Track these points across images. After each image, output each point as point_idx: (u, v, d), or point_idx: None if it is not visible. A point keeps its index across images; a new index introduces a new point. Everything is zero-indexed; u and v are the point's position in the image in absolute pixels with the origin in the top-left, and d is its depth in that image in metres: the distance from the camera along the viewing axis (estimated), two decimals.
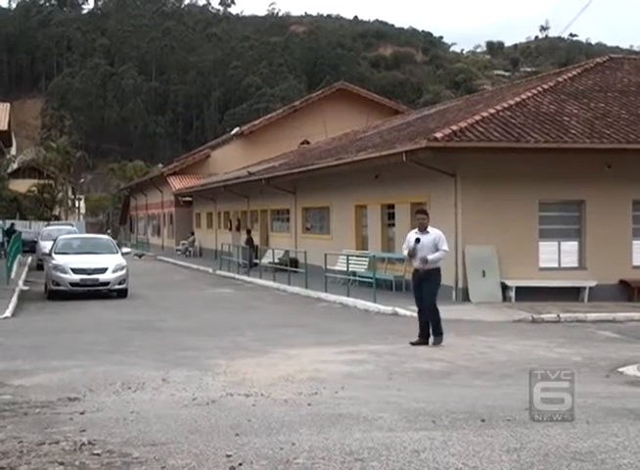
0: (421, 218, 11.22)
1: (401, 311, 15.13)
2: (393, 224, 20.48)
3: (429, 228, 11.10)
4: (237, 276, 26.21)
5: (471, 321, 14.00)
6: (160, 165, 65.46)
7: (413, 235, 11.06)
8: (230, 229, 36.25)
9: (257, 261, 27.22)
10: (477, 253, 16.76)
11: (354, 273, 19.90)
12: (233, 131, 45.51)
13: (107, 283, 19.10)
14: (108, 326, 13.66)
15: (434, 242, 10.88)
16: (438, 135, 16.14)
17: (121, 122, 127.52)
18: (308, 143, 40.89)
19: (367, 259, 20.29)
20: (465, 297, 16.71)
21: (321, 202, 25.35)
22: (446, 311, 15.21)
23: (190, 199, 43.90)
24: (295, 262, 24.61)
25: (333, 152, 25.52)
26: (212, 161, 44.92)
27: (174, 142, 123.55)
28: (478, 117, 17.45)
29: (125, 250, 23.38)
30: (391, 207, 20.59)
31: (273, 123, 43.58)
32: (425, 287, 10.94)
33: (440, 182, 17.33)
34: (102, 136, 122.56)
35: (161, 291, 21.65)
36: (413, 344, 10.75)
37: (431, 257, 10.77)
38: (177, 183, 44.42)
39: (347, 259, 19.53)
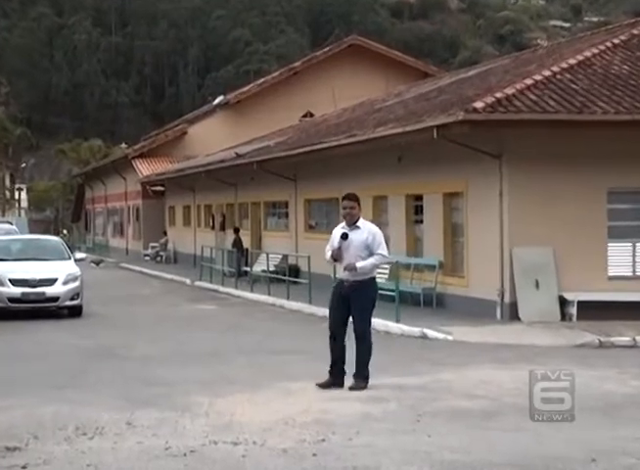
0: (348, 207, 10.05)
1: (432, 334, 15.17)
2: (421, 220, 20.50)
3: (360, 222, 10.07)
4: (221, 288, 26.27)
5: (520, 346, 14.01)
6: (124, 145, 65.60)
7: (339, 231, 10.03)
8: (213, 228, 36.29)
9: (248, 269, 27.25)
10: (528, 257, 16.77)
11: None
12: (216, 100, 45.63)
13: (56, 298, 19.11)
14: (57, 354, 13.71)
15: (365, 242, 9.89)
16: (479, 105, 16.16)
17: (73, 90, 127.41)
18: (312, 115, 40.92)
19: (388, 267, 20.28)
20: (513, 314, 16.72)
21: (329, 192, 25.34)
22: (489, 333, 15.40)
23: (162, 188, 43.97)
24: (295, 271, 24.63)
25: (344, 127, 25.55)
26: (190, 139, 44.98)
27: (141, 115, 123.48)
28: (529, 82, 17.46)
29: (79, 255, 23.41)
30: (419, 198, 20.59)
31: (267, 90, 43.63)
32: (354, 304, 9.96)
33: (482, 166, 17.34)
34: (48, 108, 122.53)
35: (126, 308, 21.72)
36: (321, 386, 9.93)
37: (360, 264, 9.76)
38: (145, 168, 44.50)
39: None
